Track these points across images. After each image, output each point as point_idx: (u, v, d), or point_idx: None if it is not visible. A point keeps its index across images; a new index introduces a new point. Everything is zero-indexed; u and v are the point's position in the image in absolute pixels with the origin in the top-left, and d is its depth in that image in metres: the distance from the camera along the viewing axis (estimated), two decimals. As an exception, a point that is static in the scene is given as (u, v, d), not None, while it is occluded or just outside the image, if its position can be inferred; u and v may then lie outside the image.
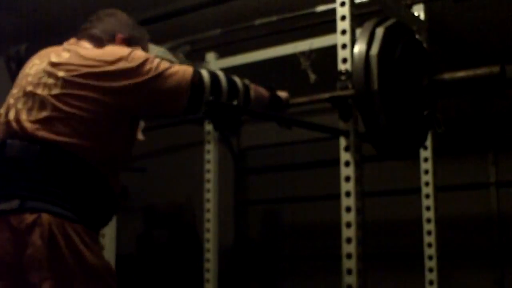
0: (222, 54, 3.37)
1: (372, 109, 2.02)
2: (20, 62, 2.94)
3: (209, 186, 3.30)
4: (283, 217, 4.29)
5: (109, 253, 2.93)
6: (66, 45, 1.89)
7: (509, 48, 3.08)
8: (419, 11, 2.74)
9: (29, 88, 1.75)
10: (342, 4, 2.17)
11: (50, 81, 1.73)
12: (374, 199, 3.18)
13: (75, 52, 1.79)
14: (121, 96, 1.73)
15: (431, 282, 2.64)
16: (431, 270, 2.65)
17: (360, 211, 2.06)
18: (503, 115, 3.53)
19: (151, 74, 1.76)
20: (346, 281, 2.02)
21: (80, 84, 1.70)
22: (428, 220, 2.67)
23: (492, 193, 3.54)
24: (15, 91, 1.80)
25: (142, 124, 2.00)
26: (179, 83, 1.80)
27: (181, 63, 2.24)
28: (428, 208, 2.68)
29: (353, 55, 2.08)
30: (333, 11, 2.33)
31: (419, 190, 2.73)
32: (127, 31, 1.95)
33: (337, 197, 2.14)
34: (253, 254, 4.32)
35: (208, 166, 3.32)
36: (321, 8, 2.87)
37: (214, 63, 3.32)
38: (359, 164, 2.10)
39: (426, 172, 2.70)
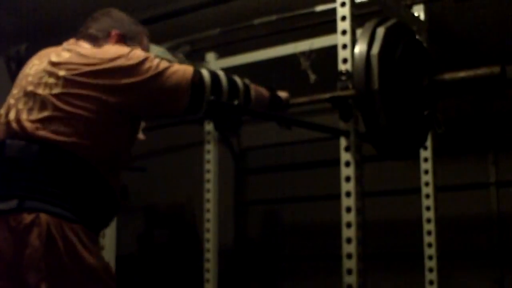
0: (222, 54, 3.37)
1: (373, 109, 2.03)
2: (20, 62, 2.94)
3: (209, 186, 3.30)
4: (283, 217, 4.29)
5: (109, 253, 2.93)
6: (65, 45, 1.89)
7: (509, 48, 3.08)
8: (419, 12, 2.74)
9: (30, 88, 1.75)
10: (343, 4, 2.17)
11: (51, 80, 1.72)
12: (374, 199, 3.18)
13: (75, 52, 1.79)
14: (121, 94, 1.72)
15: (431, 282, 2.64)
16: (431, 270, 2.65)
17: (360, 211, 2.06)
18: (503, 115, 3.53)
19: (151, 73, 1.75)
20: (346, 281, 2.02)
21: (81, 83, 1.70)
22: (428, 220, 2.68)
23: (492, 193, 3.54)
24: (15, 91, 1.79)
25: (142, 123, 1.99)
26: (179, 83, 1.79)
27: (181, 63, 2.23)
28: (428, 208, 2.68)
29: (353, 55, 2.08)
30: (333, 11, 2.34)
31: (419, 190, 2.73)
32: (123, 27, 1.95)
33: (337, 197, 2.14)
34: (253, 254, 4.32)
35: (208, 166, 3.33)
36: (320, 8, 2.87)
37: (214, 63, 3.32)
38: (360, 164, 2.10)
39: (426, 172, 2.70)
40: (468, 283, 3.46)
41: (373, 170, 2.68)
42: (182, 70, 1.82)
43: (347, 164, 2.09)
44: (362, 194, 2.09)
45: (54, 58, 1.78)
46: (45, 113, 1.68)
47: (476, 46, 3.38)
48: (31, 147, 1.64)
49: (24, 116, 1.69)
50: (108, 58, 1.74)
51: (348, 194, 2.07)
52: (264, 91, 2.08)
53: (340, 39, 2.16)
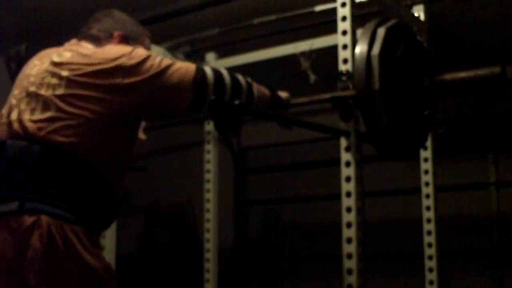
0: (222, 54, 3.37)
1: (373, 109, 2.03)
2: (20, 62, 2.94)
3: (209, 186, 3.30)
4: (283, 217, 4.28)
5: (110, 253, 2.93)
6: (67, 45, 1.88)
7: (509, 49, 3.08)
8: (419, 12, 2.74)
9: (32, 88, 1.74)
10: (343, 4, 2.18)
11: (54, 81, 1.71)
12: (374, 199, 3.18)
13: (77, 52, 1.78)
14: (124, 94, 1.71)
15: (431, 282, 2.65)
16: (431, 270, 2.65)
17: (360, 211, 2.07)
18: (503, 115, 3.53)
19: (153, 71, 1.74)
20: (347, 281, 2.02)
21: (83, 83, 1.69)
22: (428, 220, 2.68)
23: (492, 193, 3.54)
24: (16, 91, 1.78)
25: (143, 123, 1.99)
26: (181, 81, 1.77)
27: (181, 63, 2.22)
28: (428, 208, 2.69)
29: (354, 55, 2.08)
30: (333, 11, 2.34)
31: (419, 190, 2.73)
32: (125, 28, 1.95)
33: (337, 197, 2.14)
34: (253, 254, 4.32)
35: (208, 166, 3.33)
36: (319, 7, 2.87)
37: (214, 63, 3.32)
38: (360, 164, 2.10)
39: (426, 172, 2.70)
40: (468, 283, 3.46)
41: (373, 170, 2.67)
42: (184, 67, 1.80)
43: (348, 164, 2.09)
44: (362, 194, 2.09)
45: (56, 58, 1.78)
46: (48, 114, 1.67)
47: (476, 47, 3.38)
48: (32, 147, 1.63)
49: (26, 116, 1.68)
50: (110, 58, 1.73)
51: (348, 194, 2.07)
52: (265, 91, 2.07)
53: (340, 40, 2.16)
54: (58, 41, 1.94)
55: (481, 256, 3.53)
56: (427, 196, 2.69)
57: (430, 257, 2.66)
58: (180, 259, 4.12)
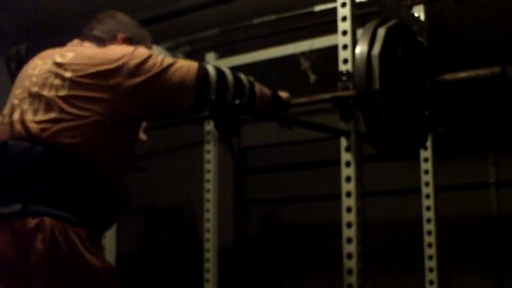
0: (222, 54, 3.37)
1: (374, 109, 2.03)
2: (20, 62, 2.93)
3: (209, 186, 3.30)
4: (283, 217, 4.28)
5: (110, 253, 2.93)
6: (70, 46, 1.88)
7: (510, 49, 3.08)
8: (419, 12, 2.74)
9: (35, 89, 1.73)
10: (343, 5, 2.17)
11: (57, 82, 1.71)
12: (374, 199, 3.18)
13: (80, 52, 1.78)
14: (127, 95, 1.71)
15: (431, 282, 2.64)
16: (431, 270, 2.65)
17: (360, 211, 2.06)
18: (503, 115, 3.53)
19: (155, 70, 1.74)
20: (347, 281, 2.02)
21: (87, 84, 1.69)
22: (428, 220, 2.68)
23: (492, 193, 3.54)
24: (18, 91, 1.77)
25: (143, 124, 1.98)
26: (183, 79, 1.77)
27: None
28: (428, 208, 2.69)
29: (354, 55, 2.08)
30: (333, 11, 2.34)
31: (419, 190, 2.73)
32: (128, 31, 1.95)
33: (337, 197, 2.14)
34: (253, 254, 4.32)
35: (208, 166, 3.32)
36: (319, 7, 2.87)
37: (214, 63, 3.31)
38: (360, 164, 2.10)
39: (426, 172, 2.70)
40: (468, 283, 3.46)
41: (373, 170, 2.67)
42: (186, 66, 1.79)
43: (348, 164, 2.09)
44: (362, 194, 2.09)
45: (58, 59, 1.77)
46: (51, 115, 1.66)
47: (476, 47, 3.38)
48: (35, 148, 1.62)
49: (29, 117, 1.67)
50: (113, 59, 1.72)
51: (348, 194, 2.07)
52: (266, 90, 2.07)
53: (340, 40, 2.16)
54: (58, 41, 1.94)
55: (481, 256, 3.53)
56: (427, 196, 2.69)
57: (430, 257, 2.66)
58: (180, 259, 4.12)
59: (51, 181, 1.61)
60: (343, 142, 2.10)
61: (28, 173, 1.61)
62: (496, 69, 2.08)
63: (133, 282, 3.74)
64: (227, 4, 3.06)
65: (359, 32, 2.15)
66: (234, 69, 1.98)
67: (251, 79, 1.98)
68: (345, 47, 2.14)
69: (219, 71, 1.86)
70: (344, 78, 2.08)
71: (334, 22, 2.23)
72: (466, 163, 3.66)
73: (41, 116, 1.67)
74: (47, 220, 1.56)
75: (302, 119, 2.44)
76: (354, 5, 2.17)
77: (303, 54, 2.95)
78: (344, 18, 2.16)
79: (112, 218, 1.78)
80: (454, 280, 3.13)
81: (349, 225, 2.05)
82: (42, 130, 1.64)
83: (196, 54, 3.29)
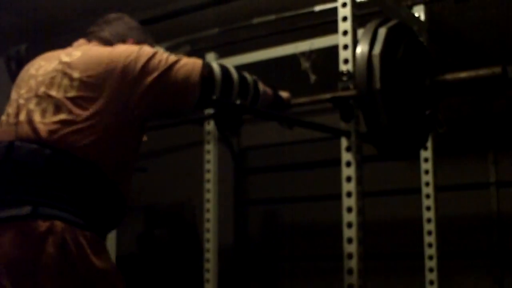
0: (222, 54, 3.37)
1: (374, 109, 2.03)
2: (20, 62, 2.92)
3: (209, 186, 3.30)
4: (283, 217, 4.28)
5: (110, 253, 2.93)
6: (75, 45, 1.88)
7: (510, 49, 3.08)
8: (419, 12, 2.75)
9: (42, 89, 1.71)
10: (344, 5, 2.17)
11: (65, 82, 1.70)
12: (374, 199, 3.18)
13: (86, 52, 1.77)
14: (135, 94, 1.70)
15: (431, 282, 2.65)
16: (431, 270, 2.66)
17: (361, 211, 2.07)
18: (503, 115, 3.53)
19: (161, 69, 1.74)
20: (347, 281, 2.02)
21: (95, 85, 1.68)
22: (429, 220, 2.68)
23: (492, 193, 3.54)
24: (23, 91, 1.75)
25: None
26: (188, 77, 1.77)
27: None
28: (428, 208, 2.69)
29: (355, 55, 2.08)
30: (333, 11, 2.34)
31: (419, 190, 2.73)
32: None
33: (337, 197, 2.15)
34: (253, 254, 4.31)
35: (208, 166, 3.32)
36: (319, 7, 2.87)
37: (214, 63, 3.32)
38: (360, 164, 2.10)
39: (427, 172, 2.71)
40: (468, 283, 3.46)
41: (373, 170, 2.68)
42: (191, 63, 1.79)
43: (348, 164, 2.09)
44: (362, 194, 2.09)
45: (65, 58, 1.76)
46: (60, 117, 1.65)
47: (476, 47, 3.38)
48: (43, 151, 1.61)
49: (37, 118, 1.66)
50: (120, 58, 1.72)
51: (349, 194, 2.07)
52: (268, 90, 2.07)
53: (341, 40, 2.16)
54: (58, 41, 1.94)
55: (481, 256, 3.52)
56: (427, 196, 2.70)
57: (431, 257, 2.66)
58: (180, 259, 4.12)
59: (60, 184, 1.60)
60: (344, 142, 2.11)
61: (36, 175, 1.59)
62: (497, 69, 2.08)
63: (133, 282, 3.74)
64: (227, 4, 3.06)
65: (360, 32, 2.16)
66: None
67: (255, 77, 1.98)
68: (345, 47, 2.14)
69: (224, 69, 1.86)
70: (344, 78, 2.08)
71: (335, 22, 2.23)
72: (466, 163, 3.66)
73: (50, 118, 1.65)
74: (58, 223, 1.55)
75: (303, 119, 2.44)
76: (354, 5, 2.18)
77: (303, 54, 2.95)
78: (344, 18, 2.17)
79: (117, 220, 1.78)
80: (454, 280, 3.14)
81: (349, 225, 2.05)
82: (51, 132, 1.63)
83: (196, 54, 3.26)
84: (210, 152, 3.32)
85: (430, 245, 2.67)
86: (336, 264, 2.33)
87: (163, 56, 1.77)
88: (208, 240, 3.26)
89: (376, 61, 2.03)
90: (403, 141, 2.18)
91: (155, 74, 1.73)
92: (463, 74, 2.16)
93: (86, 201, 1.63)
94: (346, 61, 2.13)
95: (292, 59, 2.98)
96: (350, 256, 2.03)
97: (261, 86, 2.00)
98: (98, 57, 1.73)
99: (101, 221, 1.68)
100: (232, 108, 1.83)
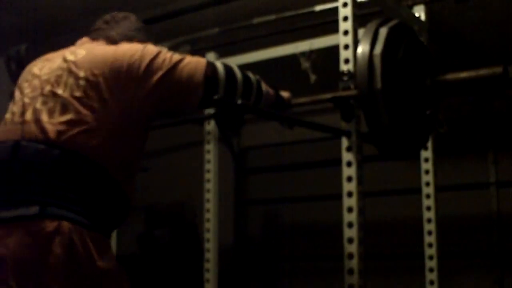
0: (222, 54, 3.37)
1: (376, 108, 2.03)
2: (20, 62, 2.93)
3: (209, 186, 3.30)
4: (284, 217, 4.28)
5: (110, 253, 2.93)
6: (78, 44, 1.87)
7: (510, 49, 3.08)
8: (419, 12, 2.75)
9: (48, 87, 1.71)
10: (345, 4, 2.17)
11: (71, 81, 1.69)
12: (374, 199, 3.18)
13: (91, 51, 1.77)
14: (141, 94, 1.71)
15: (431, 282, 2.65)
16: (431, 270, 2.65)
17: (361, 211, 2.06)
18: (503, 115, 3.53)
19: (165, 68, 1.74)
20: (348, 281, 2.02)
21: (101, 84, 1.68)
22: (429, 220, 2.68)
23: (492, 193, 3.54)
24: (27, 90, 1.75)
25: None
26: (192, 76, 1.77)
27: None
28: (428, 208, 2.69)
29: (356, 55, 2.08)
30: (333, 11, 2.34)
31: (419, 190, 2.73)
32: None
33: (338, 197, 2.14)
34: (253, 254, 4.31)
35: (208, 166, 3.32)
36: (320, 7, 2.87)
37: (214, 63, 3.31)
38: (361, 164, 2.10)
39: (427, 172, 2.70)
40: (468, 283, 3.46)
41: (373, 170, 2.68)
42: (195, 62, 1.79)
43: (349, 164, 2.08)
44: (363, 194, 2.09)
45: (70, 57, 1.76)
46: (68, 117, 1.65)
47: (477, 47, 3.38)
48: (51, 151, 1.60)
49: (44, 117, 1.65)
50: (125, 57, 1.72)
51: (349, 194, 2.06)
52: (270, 90, 2.07)
53: (342, 40, 2.16)
54: (58, 41, 1.93)
55: (481, 256, 3.52)
56: (428, 196, 2.69)
57: (431, 257, 2.66)
58: (181, 259, 4.11)
59: (67, 184, 1.60)
60: (344, 142, 2.10)
61: (43, 175, 1.59)
62: (498, 69, 2.08)
63: (134, 282, 3.73)
64: (227, 4, 3.06)
65: (361, 31, 2.16)
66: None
67: (258, 77, 1.98)
68: (346, 47, 2.14)
69: (227, 68, 1.85)
70: (345, 78, 2.08)
71: (335, 22, 2.23)
72: (466, 163, 3.66)
73: (57, 118, 1.65)
74: (66, 224, 1.55)
75: (303, 119, 2.44)
76: (355, 5, 2.17)
77: (303, 54, 2.95)
78: (345, 18, 2.16)
79: (121, 220, 1.78)
80: (454, 280, 3.14)
81: (350, 225, 2.05)
82: (60, 133, 1.62)
83: (196, 54, 3.27)
84: (210, 152, 3.32)
85: (430, 245, 2.66)
86: (336, 264, 2.33)
87: (167, 55, 1.77)
88: (208, 240, 3.26)
89: (377, 61, 2.03)
90: (404, 141, 2.18)
91: (159, 74, 1.73)
92: (463, 74, 2.16)
93: (92, 201, 1.63)
94: (347, 61, 2.12)
95: (292, 59, 2.98)
96: (350, 256, 2.03)
97: (264, 86, 2.00)
98: (103, 56, 1.73)
99: (106, 221, 1.68)
100: (234, 107, 1.83)
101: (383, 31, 2.09)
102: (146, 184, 3.96)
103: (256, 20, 3.08)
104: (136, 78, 1.71)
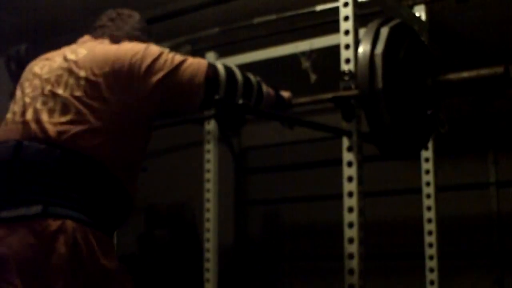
0: (222, 54, 3.36)
1: (377, 108, 2.03)
2: (20, 62, 2.92)
3: (209, 186, 3.29)
4: (284, 217, 4.28)
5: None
6: (80, 42, 1.87)
7: (510, 49, 3.08)
8: (420, 12, 2.74)
9: (48, 87, 1.71)
10: (345, 4, 2.17)
11: (71, 81, 1.70)
12: (374, 199, 3.18)
13: (92, 50, 1.77)
14: (142, 94, 1.71)
15: (431, 282, 2.65)
16: (431, 270, 2.65)
17: (362, 211, 2.06)
18: (503, 115, 3.53)
19: (167, 69, 1.74)
20: (348, 281, 2.02)
21: (102, 84, 1.68)
22: (429, 220, 2.68)
23: (492, 193, 3.54)
24: (28, 90, 1.75)
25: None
26: (193, 77, 1.77)
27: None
28: (429, 208, 2.69)
29: (357, 54, 2.08)
30: (333, 11, 2.34)
31: (420, 190, 2.73)
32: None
33: (338, 197, 2.14)
34: (253, 254, 4.31)
35: (208, 166, 3.32)
36: (320, 7, 2.87)
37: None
38: (362, 164, 2.10)
39: (427, 172, 2.70)
40: (468, 283, 3.46)
41: (373, 170, 2.67)
42: (196, 63, 1.80)
43: (350, 164, 2.08)
44: (364, 194, 2.09)
45: (70, 56, 1.76)
46: (68, 117, 1.65)
47: (477, 46, 3.38)
48: (53, 151, 1.60)
49: (45, 117, 1.65)
50: (126, 57, 1.72)
51: (350, 194, 2.06)
52: (270, 90, 2.08)
53: (342, 39, 2.16)
54: (58, 41, 1.93)
55: (481, 256, 3.52)
56: (428, 196, 2.69)
57: (431, 257, 2.66)
58: (180, 259, 4.11)
59: (69, 183, 1.60)
60: (345, 142, 2.10)
61: (45, 175, 1.59)
62: (499, 69, 2.08)
63: (134, 282, 3.73)
64: (227, 4, 3.06)
65: (362, 31, 2.16)
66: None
67: (259, 78, 1.98)
68: (347, 46, 2.14)
69: (228, 70, 1.86)
70: (346, 77, 2.08)
71: (335, 22, 2.23)
72: (466, 163, 3.66)
73: (57, 118, 1.65)
74: (69, 223, 1.55)
75: (303, 119, 2.44)
76: (356, 5, 2.17)
77: (303, 53, 2.95)
78: (346, 18, 2.16)
79: (123, 219, 1.78)
80: (454, 280, 3.13)
81: (350, 225, 2.05)
82: (60, 132, 1.63)
83: (197, 54, 3.28)
84: (210, 152, 3.32)
85: (430, 245, 2.66)
86: (336, 264, 2.32)
87: (169, 56, 1.77)
88: (208, 240, 3.25)
89: (378, 61, 2.03)
90: (405, 141, 2.18)
91: (160, 75, 1.73)
92: (464, 74, 2.16)
93: (95, 201, 1.63)
94: (347, 61, 2.12)
95: (292, 59, 2.98)
96: (351, 256, 2.03)
97: (265, 87, 2.00)
98: (104, 56, 1.73)
99: (109, 220, 1.68)
100: (234, 107, 1.83)
101: (384, 31, 2.09)
102: (146, 184, 3.97)
103: (256, 20, 3.08)
104: (137, 78, 1.71)
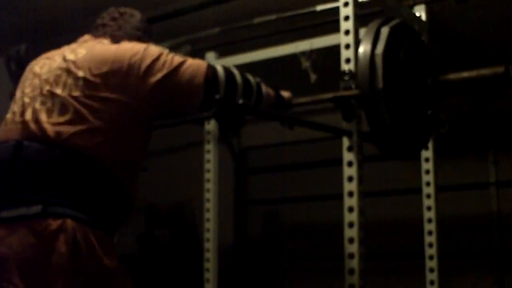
0: (222, 54, 3.36)
1: (377, 108, 2.03)
2: (20, 62, 2.92)
3: (209, 186, 3.29)
4: (284, 217, 4.28)
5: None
6: (80, 42, 1.87)
7: (510, 49, 3.08)
8: (420, 12, 2.74)
9: (47, 87, 1.71)
10: (346, 4, 2.17)
11: (70, 81, 1.69)
12: (374, 199, 3.18)
13: (91, 50, 1.77)
14: (141, 94, 1.71)
15: (432, 282, 2.65)
16: (432, 270, 2.66)
17: (362, 211, 2.06)
18: (503, 115, 3.53)
19: (166, 70, 1.74)
20: (348, 281, 2.02)
21: (101, 84, 1.68)
22: (429, 220, 2.68)
23: (492, 193, 3.54)
24: (27, 90, 1.75)
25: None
26: (192, 78, 1.77)
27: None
28: (429, 208, 2.69)
29: (358, 54, 2.08)
30: (334, 10, 2.33)
31: (420, 190, 2.73)
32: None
33: (338, 197, 2.14)
34: (253, 254, 4.31)
35: (208, 166, 3.32)
36: (321, 7, 2.87)
37: (214, 63, 3.29)
38: (362, 164, 2.10)
39: (427, 172, 2.70)
40: (468, 283, 3.46)
41: (373, 170, 2.67)
42: (196, 65, 1.80)
43: (350, 164, 2.08)
44: (364, 194, 2.09)
45: (69, 56, 1.76)
46: (67, 117, 1.65)
47: (477, 46, 3.38)
48: (52, 151, 1.61)
49: (43, 117, 1.66)
50: (126, 57, 1.72)
51: (350, 194, 2.06)
52: (270, 90, 2.08)
53: (343, 39, 2.16)
54: (58, 41, 1.93)
55: (481, 256, 3.52)
56: (428, 196, 2.69)
57: (431, 257, 2.66)
58: (180, 259, 4.11)
59: (69, 183, 1.60)
60: (345, 142, 2.10)
61: (45, 175, 1.59)
62: (499, 69, 2.08)
63: (134, 282, 3.73)
64: (227, 4, 3.06)
65: (362, 31, 2.16)
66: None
67: (258, 80, 1.98)
68: (347, 46, 2.14)
69: (227, 71, 1.86)
70: (346, 77, 2.08)
71: (335, 22, 2.23)
72: (466, 163, 3.66)
73: (56, 118, 1.65)
74: (69, 222, 1.55)
75: (303, 119, 2.44)
76: (356, 5, 2.17)
77: (303, 53, 2.95)
78: (346, 18, 2.16)
79: (123, 219, 1.78)
80: (454, 280, 3.13)
81: (351, 225, 2.05)
82: (59, 132, 1.63)
83: (197, 54, 3.29)
84: (210, 152, 3.32)
85: (430, 245, 2.67)
86: (337, 264, 2.32)
87: (168, 57, 1.77)
88: (208, 240, 3.25)
89: (378, 61, 2.03)
90: (405, 141, 2.18)
91: (159, 76, 1.73)
92: (465, 74, 2.17)
93: (95, 200, 1.63)
94: (348, 61, 2.12)
95: (292, 58, 2.98)
96: (351, 256, 2.03)
97: (264, 88, 2.01)
98: (103, 56, 1.73)
99: (109, 220, 1.68)
100: (234, 107, 1.83)
101: (384, 31, 2.09)
102: (146, 184, 3.97)
103: (256, 20, 3.08)
104: (136, 79, 1.71)
